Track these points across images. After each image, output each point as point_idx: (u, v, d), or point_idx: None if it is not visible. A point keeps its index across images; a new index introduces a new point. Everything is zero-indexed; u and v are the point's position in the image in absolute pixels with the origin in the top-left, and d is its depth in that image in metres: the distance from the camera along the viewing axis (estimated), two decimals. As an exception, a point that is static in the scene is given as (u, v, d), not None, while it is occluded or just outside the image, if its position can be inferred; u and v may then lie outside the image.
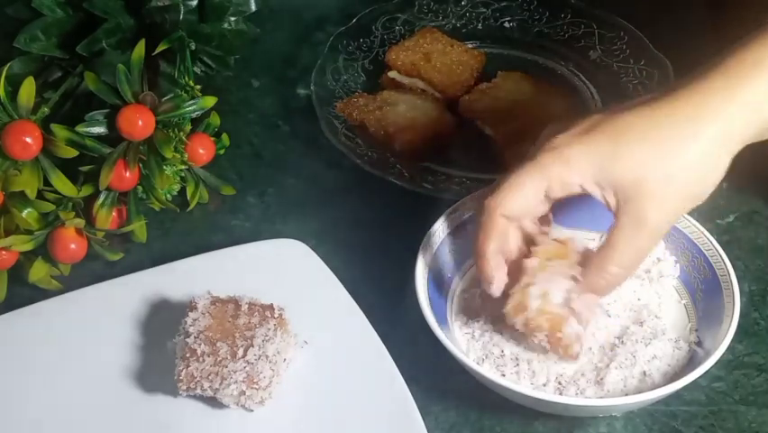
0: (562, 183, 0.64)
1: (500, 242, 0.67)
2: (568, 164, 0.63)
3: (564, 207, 0.78)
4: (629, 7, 1.01)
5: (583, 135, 0.63)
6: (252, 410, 0.69)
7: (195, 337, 0.69)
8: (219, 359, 0.68)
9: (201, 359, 0.68)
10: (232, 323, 0.70)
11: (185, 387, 0.68)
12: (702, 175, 0.63)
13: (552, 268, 0.67)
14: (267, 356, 0.68)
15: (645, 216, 0.63)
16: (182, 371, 0.68)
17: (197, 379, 0.68)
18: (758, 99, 0.63)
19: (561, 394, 0.68)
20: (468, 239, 0.78)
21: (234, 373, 0.67)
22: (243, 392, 0.67)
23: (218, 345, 0.68)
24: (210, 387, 0.67)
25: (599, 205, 0.78)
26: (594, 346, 0.72)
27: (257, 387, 0.67)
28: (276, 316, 0.70)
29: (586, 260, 0.67)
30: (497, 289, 0.68)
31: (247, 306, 0.71)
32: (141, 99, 0.79)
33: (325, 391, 0.71)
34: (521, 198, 0.65)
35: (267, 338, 0.69)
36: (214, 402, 0.69)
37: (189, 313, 0.70)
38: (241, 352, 0.68)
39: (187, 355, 0.68)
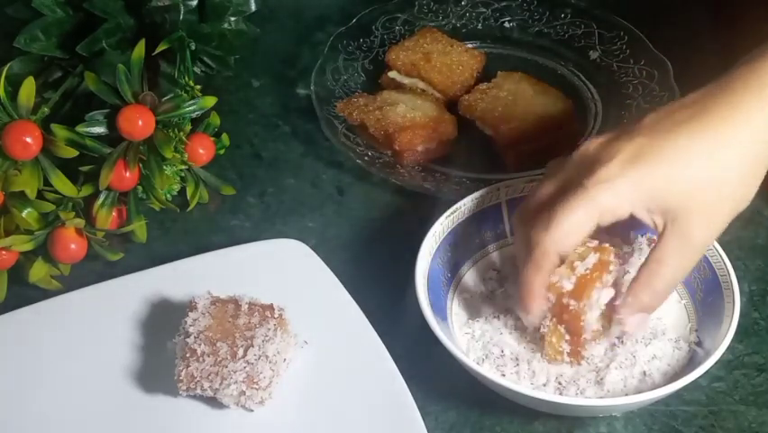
0: (614, 214, 0.64)
1: (549, 275, 0.67)
2: (620, 197, 0.64)
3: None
4: (629, 7, 1.01)
5: (631, 165, 0.63)
6: (252, 410, 0.69)
7: (195, 337, 0.69)
8: (219, 359, 0.68)
9: (201, 359, 0.68)
10: (232, 323, 0.70)
11: (185, 387, 0.68)
12: (745, 182, 0.64)
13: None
14: (267, 356, 0.68)
15: (693, 235, 0.64)
16: (182, 371, 0.68)
17: (197, 379, 0.68)
18: None
19: (561, 394, 0.68)
20: (468, 239, 0.78)
21: (234, 373, 0.67)
22: (243, 392, 0.67)
23: (218, 345, 0.68)
24: (210, 387, 0.67)
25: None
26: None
27: (257, 387, 0.67)
28: (276, 316, 0.70)
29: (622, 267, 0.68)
30: (534, 318, 0.68)
31: (247, 306, 0.71)
32: (141, 99, 0.79)
33: (325, 392, 0.71)
34: (578, 235, 0.65)
35: (267, 338, 0.69)
36: (214, 402, 0.69)
37: (189, 313, 0.70)
38: (241, 352, 0.68)
39: (187, 355, 0.68)
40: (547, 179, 0.69)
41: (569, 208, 0.64)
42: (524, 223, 0.69)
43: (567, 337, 0.67)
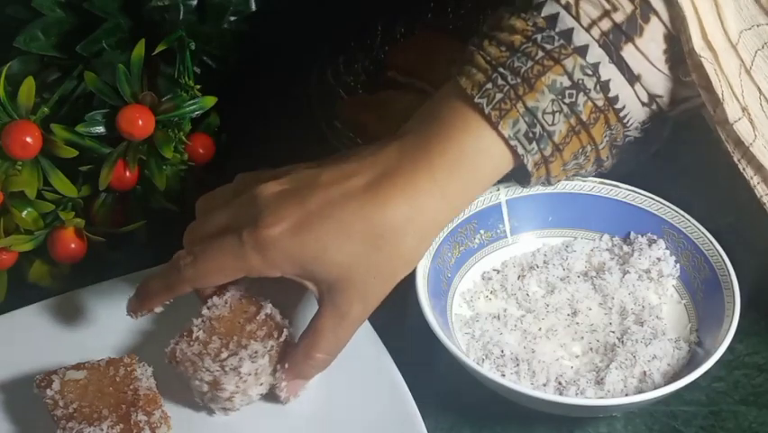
0: (262, 273, 0.66)
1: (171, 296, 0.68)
2: (268, 264, 0.65)
3: (562, 207, 0.78)
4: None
5: (291, 234, 0.64)
6: (215, 413, 0.69)
7: (203, 321, 0.69)
8: (204, 351, 0.68)
9: (191, 343, 0.68)
10: (240, 325, 0.69)
11: (167, 360, 0.68)
12: (408, 262, 0.67)
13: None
14: (240, 374, 0.67)
15: (348, 310, 0.66)
16: (173, 345, 0.68)
17: (179, 359, 0.67)
18: (459, 195, 0.68)
19: (561, 394, 0.68)
20: (468, 239, 0.78)
21: (206, 371, 0.67)
22: (205, 393, 0.67)
23: (213, 338, 0.68)
24: (183, 372, 0.67)
25: (598, 205, 0.78)
26: (594, 346, 0.72)
27: (220, 395, 0.67)
28: (279, 338, 0.69)
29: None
30: (134, 316, 0.69)
31: (264, 316, 0.70)
32: (141, 99, 0.79)
33: (325, 391, 0.70)
34: (219, 279, 0.67)
35: (253, 356, 0.68)
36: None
37: (215, 297, 0.70)
38: (224, 355, 0.67)
39: (185, 334, 0.68)
40: (225, 206, 0.69)
41: (219, 253, 0.65)
42: (186, 242, 0.69)
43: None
